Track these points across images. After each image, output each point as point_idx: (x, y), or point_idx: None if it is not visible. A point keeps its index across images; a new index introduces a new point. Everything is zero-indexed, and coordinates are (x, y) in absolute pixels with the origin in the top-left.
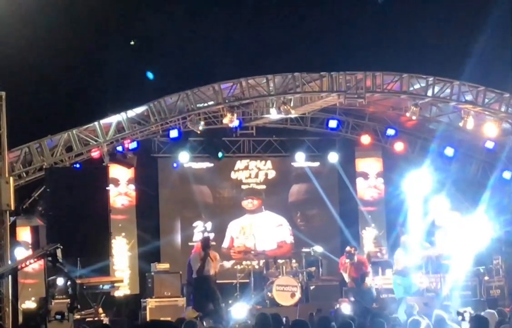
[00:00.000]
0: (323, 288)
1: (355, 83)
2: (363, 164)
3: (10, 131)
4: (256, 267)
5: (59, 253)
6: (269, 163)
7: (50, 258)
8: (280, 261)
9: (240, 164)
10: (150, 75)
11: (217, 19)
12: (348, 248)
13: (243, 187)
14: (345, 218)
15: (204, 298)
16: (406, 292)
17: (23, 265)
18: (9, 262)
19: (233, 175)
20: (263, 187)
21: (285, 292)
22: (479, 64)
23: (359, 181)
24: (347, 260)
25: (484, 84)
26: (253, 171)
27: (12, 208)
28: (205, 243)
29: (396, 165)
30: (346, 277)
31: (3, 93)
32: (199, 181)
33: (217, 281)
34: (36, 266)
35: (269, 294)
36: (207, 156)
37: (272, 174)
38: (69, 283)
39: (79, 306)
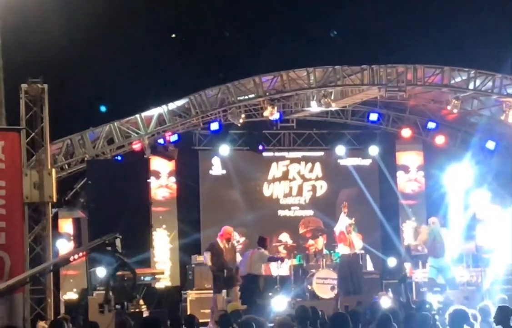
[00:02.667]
0: (365, 281)
1: (396, 76)
2: (403, 157)
3: (52, 123)
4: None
5: (118, 242)
6: (317, 167)
7: (109, 248)
8: (320, 254)
9: (275, 169)
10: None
11: (258, 11)
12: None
13: (280, 213)
14: (386, 212)
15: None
16: (440, 273)
17: (77, 256)
18: (51, 254)
19: (267, 191)
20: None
21: (325, 285)
22: None
23: (400, 174)
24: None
25: None
26: (294, 184)
27: (54, 200)
28: (260, 242)
29: (437, 158)
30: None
31: (45, 86)
32: (239, 175)
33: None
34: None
35: (309, 287)
36: (248, 149)
37: (321, 188)
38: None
39: (137, 296)
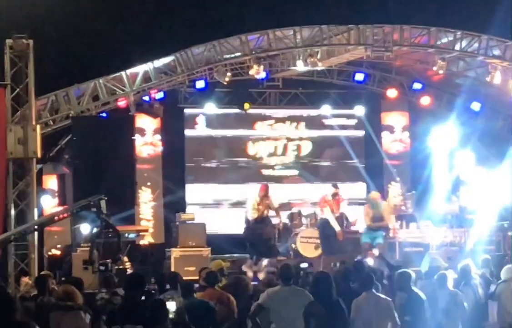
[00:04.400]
0: (347, 241)
1: (382, 36)
2: (389, 118)
3: (37, 79)
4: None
5: (103, 204)
6: (302, 127)
7: (94, 209)
8: (304, 213)
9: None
10: None
11: None
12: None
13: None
14: (371, 171)
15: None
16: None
17: (62, 216)
18: (35, 210)
19: (252, 150)
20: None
21: (309, 244)
22: (508, 18)
23: (385, 134)
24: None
25: None
26: (279, 144)
27: (39, 155)
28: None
29: (422, 119)
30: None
31: (31, 41)
32: (224, 133)
33: None
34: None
35: (293, 246)
36: (233, 106)
37: (306, 147)
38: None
39: (121, 257)
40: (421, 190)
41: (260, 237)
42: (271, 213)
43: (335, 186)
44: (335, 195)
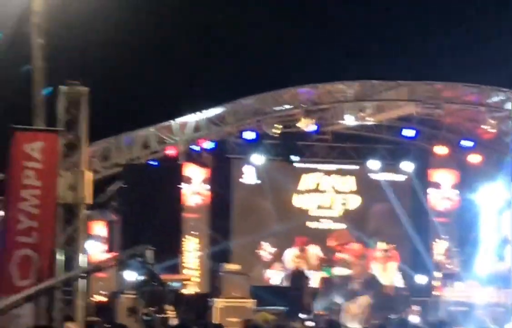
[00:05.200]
0: (393, 298)
1: (433, 93)
2: (436, 174)
3: (90, 126)
4: None
5: (149, 254)
6: (350, 181)
7: (140, 259)
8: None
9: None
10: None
11: (296, 23)
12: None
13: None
14: (417, 228)
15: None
16: None
17: (109, 264)
18: (83, 255)
19: (297, 202)
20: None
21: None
22: None
23: (432, 191)
24: None
25: None
26: (326, 197)
27: (88, 202)
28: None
29: (471, 177)
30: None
31: (84, 89)
32: (271, 184)
33: None
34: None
35: (337, 301)
36: (281, 158)
37: (353, 201)
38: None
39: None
40: (468, 249)
41: (296, 290)
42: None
43: (386, 243)
44: (385, 252)
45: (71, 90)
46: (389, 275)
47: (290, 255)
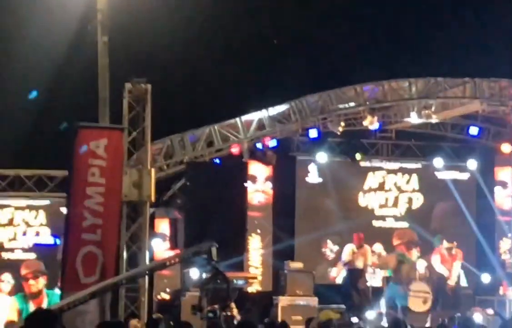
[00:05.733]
0: (457, 297)
1: (498, 91)
2: (502, 173)
3: (153, 123)
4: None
5: (214, 251)
6: (414, 179)
7: (205, 256)
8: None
9: (372, 179)
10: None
11: (361, 19)
12: None
13: (375, 224)
14: (482, 227)
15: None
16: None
17: (173, 261)
18: (147, 253)
19: (362, 201)
20: (404, 224)
21: (417, 298)
22: None
23: (498, 189)
24: None
25: None
26: (390, 195)
27: (153, 199)
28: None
29: None
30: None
31: (149, 86)
32: (335, 183)
33: None
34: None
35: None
36: (346, 156)
37: (417, 200)
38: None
39: (231, 306)
40: None
41: (353, 286)
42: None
43: (451, 242)
44: (449, 250)
45: (135, 87)
46: (454, 273)
47: (347, 251)
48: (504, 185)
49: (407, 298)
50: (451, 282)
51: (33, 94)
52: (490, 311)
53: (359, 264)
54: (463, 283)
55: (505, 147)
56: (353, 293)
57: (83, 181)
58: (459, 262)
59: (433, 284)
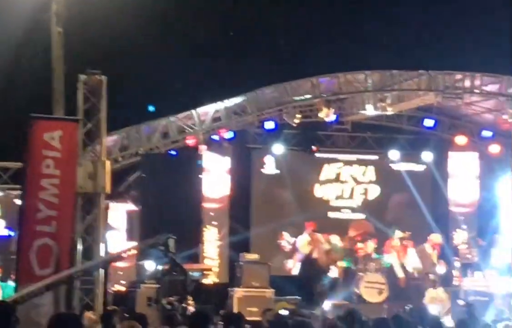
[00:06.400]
0: (412, 287)
1: (453, 83)
2: (457, 165)
3: (109, 115)
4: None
5: (171, 243)
6: (370, 171)
7: (162, 248)
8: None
9: (328, 170)
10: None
11: (316, 12)
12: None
13: (331, 215)
14: (437, 219)
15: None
16: None
17: (129, 253)
18: (102, 245)
19: (318, 192)
20: (361, 216)
21: (373, 289)
22: None
23: (452, 181)
24: None
25: None
26: (346, 187)
27: (108, 191)
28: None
29: (490, 167)
30: None
31: (104, 78)
32: (291, 175)
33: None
34: None
35: (357, 290)
36: (301, 148)
37: (373, 191)
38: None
39: (189, 297)
40: (488, 239)
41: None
42: None
43: (403, 231)
44: (402, 240)
45: (91, 79)
46: (407, 263)
47: (302, 241)
48: (458, 177)
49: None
50: (402, 273)
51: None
52: (461, 301)
53: (314, 254)
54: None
55: (460, 140)
56: (308, 284)
57: (37, 172)
58: (411, 251)
59: (387, 275)
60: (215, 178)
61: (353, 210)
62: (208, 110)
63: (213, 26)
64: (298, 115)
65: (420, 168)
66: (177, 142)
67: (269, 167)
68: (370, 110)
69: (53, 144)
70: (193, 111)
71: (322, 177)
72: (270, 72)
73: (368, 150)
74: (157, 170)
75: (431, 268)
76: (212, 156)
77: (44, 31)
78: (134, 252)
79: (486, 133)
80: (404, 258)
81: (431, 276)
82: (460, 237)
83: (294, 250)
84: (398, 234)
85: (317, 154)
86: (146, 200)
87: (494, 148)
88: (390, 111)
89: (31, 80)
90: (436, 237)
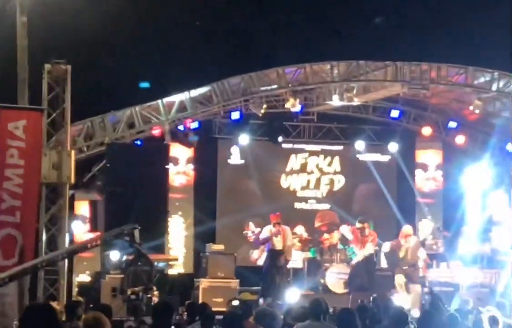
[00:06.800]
0: (377, 278)
1: (419, 74)
2: (423, 155)
3: (74, 105)
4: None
5: (136, 234)
6: (336, 161)
7: (127, 238)
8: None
9: (294, 161)
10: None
11: (284, 2)
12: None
13: (297, 205)
14: (402, 209)
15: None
16: None
17: (94, 244)
18: (67, 235)
19: (284, 183)
20: (326, 206)
21: (339, 279)
22: None
23: (418, 172)
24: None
25: None
26: (312, 177)
27: (72, 181)
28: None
29: (456, 158)
30: None
31: (69, 67)
32: (257, 165)
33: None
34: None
35: (322, 281)
36: (267, 139)
37: (338, 182)
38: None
39: (154, 287)
40: (453, 230)
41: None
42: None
43: (362, 221)
44: (362, 230)
45: (55, 68)
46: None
47: (266, 232)
48: (424, 167)
49: None
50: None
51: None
52: (426, 291)
53: (278, 245)
54: (384, 264)
55: (426, 130)
56: (272, 274)
57: (1, 162)
58: (371, 244)
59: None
60: (181, 168)
61: (319, 200)
62: (174, 100)
63: (179, 16)
64: (264, 106)
65: (386, 158)
66: (142, 132)
67: (235, 157)
68: (336, 101)
69: (17, 134)
70: (158, 101)
71: (288, 167)
72: (236, 63)
73: (334, 141)
74: (122, 159)
75: (413, 259)
76: (178, 146)
77: (9, 20)
78: (99, 242)
79: (452, 124)
80: (362, 249)
81: (405, 268)
82: (425, 227)
83: (259, 240)
84: (357, 224)
85: (283, 145)
86: (111, 190)
87: (460, 139)
88: (356, 102)
89: None
90: (407, 229)
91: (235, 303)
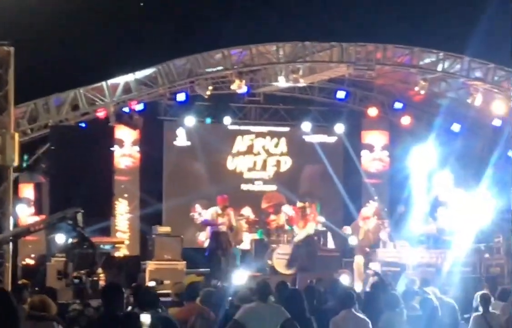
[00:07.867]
0: (324, 259)
1: (365, 55)
2: (369, 136)
3: (17, 87)
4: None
5: (79, 217)
6: (282, 143)
7: (70, 222)
8: (282, 229)
9: (240, 142)
10: None
11: None
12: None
13: (243, 187)
14: (349, 190)
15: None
16: None
17: (38, 227)
18: (11, 218)
19: (231, 164)
20: (273, 187)
21: (285, 260)
22: (490, 41)
23: (364, 153)
24: None
25: (494, 61)
26: (259, 159)
27: (16, 164)
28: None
29: (402, 139)
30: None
31: (12, 49)
32: (204, 147)
33: None
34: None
35: (269, 262)
36: (213, 121)
37: (285, 163)
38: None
39: (97, 271)
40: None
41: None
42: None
43: (303, 201)
44: (303, 209)
45: None
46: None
47: (210, 213)
48: (370, 148)
49: None
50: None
51: None
52: (370, 271)
53: (224, 227)
54: (331, 245)
55: (372, 111)
56: (218, 256)
57: None
58: (313, 223)
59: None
60: (126, 150)
61: (265, 181)
62: (119, 81)
63: None
64: (210, 87)
65: (332, 139)
66: (87, 114)
67: (181, 139)
68: (282, 82)
69: None
70: (103, 83)
71: (235, 149)
72: (181, 44)
73: (280, 122)
74: (67, 142)
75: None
76: (123, 128)
77: None
78: (43, 226)
79: (398, 105)
80: (304, 229)
81: (367, 249)
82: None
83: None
84: (298, 204)
85: (229, 127)
86: (55, 173)
87: (406, 120)
88: (302, 83)
89: None
90: (365, 211)
91: (152, 283)
